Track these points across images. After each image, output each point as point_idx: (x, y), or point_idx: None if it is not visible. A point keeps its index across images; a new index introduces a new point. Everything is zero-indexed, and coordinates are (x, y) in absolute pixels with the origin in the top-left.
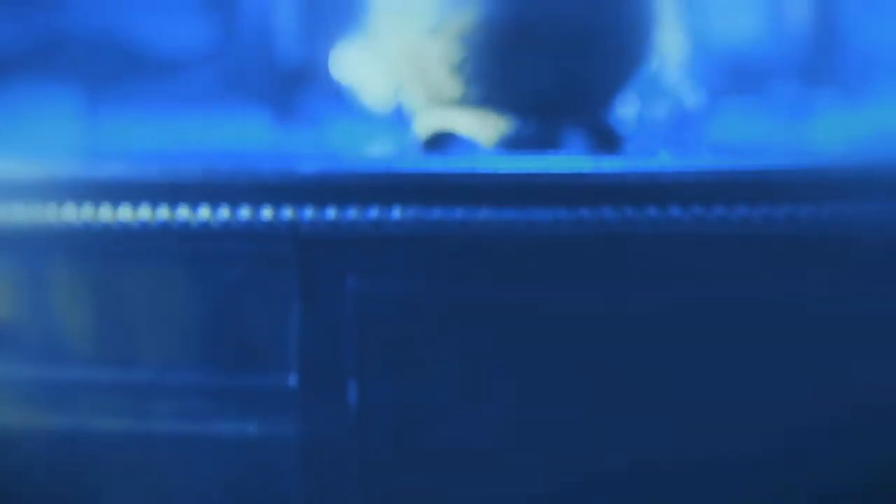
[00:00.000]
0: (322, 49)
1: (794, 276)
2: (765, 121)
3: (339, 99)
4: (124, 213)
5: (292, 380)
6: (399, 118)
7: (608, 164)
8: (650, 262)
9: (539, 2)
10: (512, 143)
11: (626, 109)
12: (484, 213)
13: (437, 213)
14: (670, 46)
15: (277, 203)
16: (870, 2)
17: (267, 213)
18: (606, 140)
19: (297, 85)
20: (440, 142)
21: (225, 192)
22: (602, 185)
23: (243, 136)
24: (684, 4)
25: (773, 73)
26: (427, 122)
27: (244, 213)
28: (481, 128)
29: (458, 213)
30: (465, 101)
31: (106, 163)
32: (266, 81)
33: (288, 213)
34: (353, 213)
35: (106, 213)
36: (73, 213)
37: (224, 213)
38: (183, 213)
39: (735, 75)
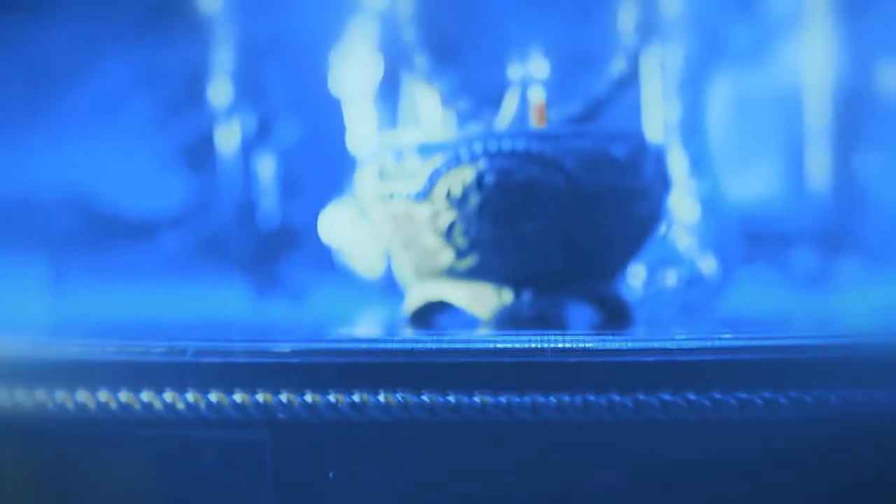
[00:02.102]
0: (306, 212)
1: (825, 463)
2: (784, 291)
3: (324, 266)
4: (82, 397)
5: None
6: (387, 287)
7: (617, 342)
8: (666, 450)
9: (538, 164)
10: (510, 318)
11: (635, 279)
12: (479, 397)
13: (426, 396)
14: (682, 210)
15: (251, 386)
16: (894, 166)
17: (239, 396)
18: (614, 314)
19: (278, 251)
20: (431, 315)
21: (193, 374)
22: (610, 366)
23: (219, 308)
24: (697, 165)
25: (791, 240)
26: (417, 293)
27: (214, 396)
28: (476, 300)
29: (451, 396)
30: (457, 271)
31: (62, 342)
32: (245, 247)
33: (262, 396)
34: (334, 396)
35: (62, 397)
36: (27, 397)
37: (191, 397)
38: (146, 397)
39: (751, 241)
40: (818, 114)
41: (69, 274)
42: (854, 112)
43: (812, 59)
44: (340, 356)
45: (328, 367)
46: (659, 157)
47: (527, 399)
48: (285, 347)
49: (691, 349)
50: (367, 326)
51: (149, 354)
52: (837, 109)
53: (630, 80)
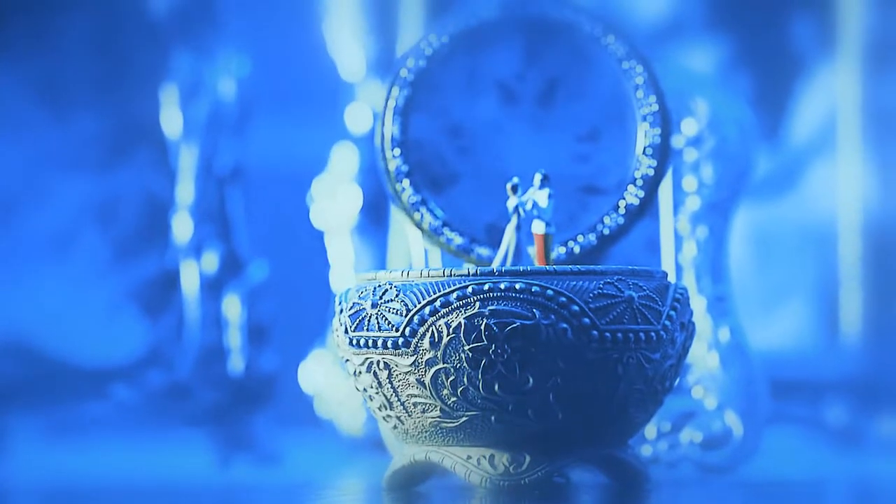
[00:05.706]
0: (278, 360)
1: None
2: (815, 449)
3: (299, 421)
4: None
5: None
6: (370, 445)
7: None
8: None
9: (540, 307)
10: (507, 486)
11: (651, 438)
12: None
13: None
14: (702, 358)
15: None
16: None
17: None
18: (628, 479)
19: (246, 404)
20: (416, 481)
21: None
22: None
23: (177, 471)
24: (719, 308)
25: (822, 392)
26: (400, 456)
27: None
28: (467, 464)
29: None
30: (446, 430)
31: None
32: (209, 400)
33: None
34: None
35: None
36: None
37: None
38: None
39: (778, 393)
40: (851, 253)
41: (10, 430)
42: (891, 251)
43: (845, 195)
44: None
45: None
46: (678, 298)
47: None
48: None
49: None
50: (344, 494)
51: None
52: (873, 248)
53: (645, 212)
